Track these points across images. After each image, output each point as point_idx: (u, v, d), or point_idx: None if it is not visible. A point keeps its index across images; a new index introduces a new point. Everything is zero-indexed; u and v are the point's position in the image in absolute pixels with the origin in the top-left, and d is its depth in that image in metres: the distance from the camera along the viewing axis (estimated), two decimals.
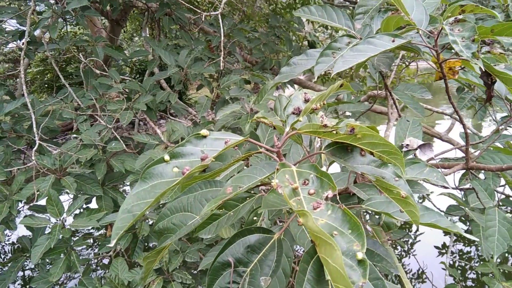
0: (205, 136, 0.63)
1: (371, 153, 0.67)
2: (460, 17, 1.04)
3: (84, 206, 3.18)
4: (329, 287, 0.57)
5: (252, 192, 1.09)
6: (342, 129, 0.64)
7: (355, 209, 0.93)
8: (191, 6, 3.35)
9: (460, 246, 5.00)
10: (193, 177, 0.94)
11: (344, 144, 0.69)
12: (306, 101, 0.74)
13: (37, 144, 2.57)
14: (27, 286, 4.24)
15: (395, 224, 0.93)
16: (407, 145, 1.06)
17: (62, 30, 3.28)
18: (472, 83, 1.47)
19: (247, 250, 0.74)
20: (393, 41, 1.04)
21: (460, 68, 1.32)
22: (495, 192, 1.45)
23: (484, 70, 0.91)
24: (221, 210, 1.09)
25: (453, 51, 1.21)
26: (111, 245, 0.52)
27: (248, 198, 1.09)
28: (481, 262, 2.56)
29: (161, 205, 3.13)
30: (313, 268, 0.58)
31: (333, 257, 0.45)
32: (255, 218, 1.34)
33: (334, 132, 0.65)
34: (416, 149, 1.04)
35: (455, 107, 1.20)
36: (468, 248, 4.89)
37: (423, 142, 1.05)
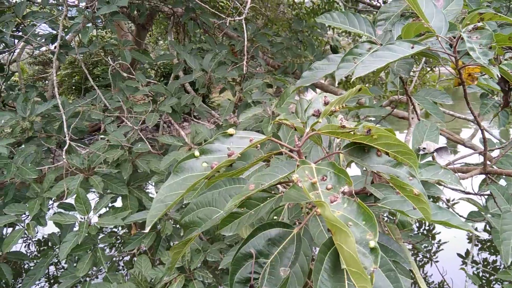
0: (231, 135, 0.68)
1: (387, 154, 0.71)
2: (479, 24, 1.06)
3: (110, 205, 3.29)
4: (345, 276, 0.61)
5: (272, 192, 1.14)
6: (359, 130, 0.69)
7: (373, 208, 0.97)
8: (216, 12, 3.43)
9: (485, 255, 4.91)
10: (218, 175, 1.00)
11: (361, 144, 0.73)
12: (326, 104, 0.79)
13: (67, 144, 2.68)
14: (55, 281, 4.39)
15: (409, 223, 0.96)
16: (424, 148, 1.09)
17: (94, 35, 3.40)
18: (493, 89, 1.49)
19: (268, 243, 0.79)
20: (412, 47, 1.07)
21: (480, 74, 1.34)
22: None
23: (500, 76, 0.94)
24: (242, 209, 1.14)
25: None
26: (146, 230, 0.58)
27: (268, 198, 1.14)
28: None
29: (183, 205, 3.21)
30: (330, 258, 0.63)
31: (347, 243, 0.49)
32: (275, 217, 1.39)
33: (352, 133, 0.69)
34: (433, 152, 1.07)
35: (473, 111, 1.22)
36: (493, 257, 4.80)
37: (440, 146, 1.08)
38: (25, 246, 5.59)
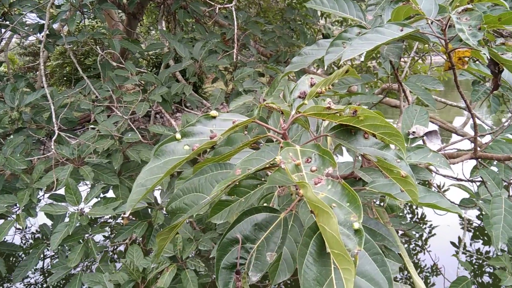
0: (214, 117, 0.67)
1: (374, 136, 0.70)
2: (469, 6, 1.05)
3: (102, 195, 3.27)
4: (331, 260, 0.60)
5: (262, 179, 1.12)
6: (345, 112, 0.67)
7: (361, 193, 0.96)
8: (206, 0, 3.38)
9: (478, 245, 4.96)
10: (205, 160, 0.98)
11: (348, 126, 0.72)
12: (312, 85, 0.77)
13: (56, 134, 2.65)
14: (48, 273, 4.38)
15: (398, 207, 0.95)
16: (414, 132, 1.07)
17: (81, 23, 3.34)
18: (483, 74, 1.48)
19: (255, 228, 0.78)
20: (401, 30, 1.06)
21: (469, 58, 1.33)
22: (504, 182, 1.46)
23: (490, 58, 0.92)
24: (232, 197, 1.13)
25: (461, 42, 1.21)
26: (126, 215, 0.56)
27: (258, 185, 1.13)
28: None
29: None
30: (316, 242, 0.61)
31: (329, 224, 0.48)
32: (265, 204, 1.38)
33: (338, 114, 0.68)
34: (423, 136, 1.06)
35: (463, 95, 1.21)
36: (487, 248, 4.85)
37: (429, 130, 1.07)
38: (22, 237, 5.57)
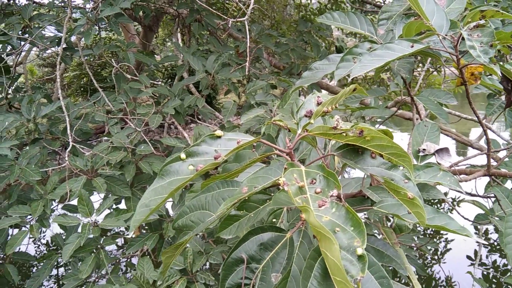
0: (219, 137, 0.66)
1: (381, 155, 0.69)
2: (481, 22, 1.04)
3: (114, 207, 3.29)
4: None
5: (272, 194, 1.11)
6: (352, 132, 0.66)
7: (369, 212, 0.95)
8: (219, 13, 3.42)
9: (495, 257, 4.84)
10: (212, 177, 0.98)
11: (355, 146, 0.71)
12: (319, 104, 0.77)
13: (70, 145, 2.68)
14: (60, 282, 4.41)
15: (407, 227, 0.93)
16: (424, 149, 1.06)
17: (97, 36, 3.40)
18: (498, 88, 1.45)
19: (260, 248, 0.77)
20: (412, 46, 1.05)
21: (483, 73, 1.31)
22: None
23: (503, 74, 0.91)
24: (241, 212, 1.12)
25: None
26: (130, 235, 0.56)
27: (268, 200, 1.12)
28: None
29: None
30: (320, 265, 0.60)
31: (331, 251, 0.47)
32: (274, 220, 1.37)
33: (344, 134, 0.67)
34: (433, 153, 1.04)
35: (475, 110, 1.19)
36: (504, 260, 4.73)
37: (440, 147, 1.05)
38: (36, 247, 5.63)
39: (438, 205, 5.75)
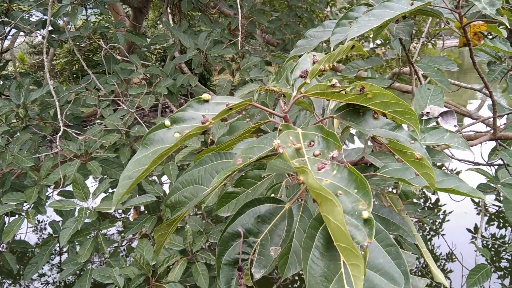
0: (207, 101, 0.61)
1: (384, 115, 0.63)
2: None
3: (110, 190, 3.24)
4: (340, 254, 0.54)
5: None
6: (352, 89, 0.61)
7: (372, 179, 0.90)
8: None
9: (494, 228, 4.86)
10: (205, 150, 0.93)
11: (355, 106, 0.65)
12: (315, 63, 0.71)
13: (61, 130, 2.62)
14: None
15: (413, 193, 0.88)
16: (428, 113, 1.00)
17: (87, 19, 3.29)
18: (500, 51, 1.39)
19: (257, 220, 0.72)
20: (412, 4, 0.98)
21: (486, 34, 1.25)
22: None
23: (510, 29, 0.85)
24: (239, 188, 1.07)
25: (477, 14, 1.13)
26: (111, 210, 0.51)
27: (265, 176, 1.07)
28: None
29: None
30: (322, 234, 0.55)
31: (334, 214, 0.42)
32: (272, 195, 1.32)
33: (343, 93, 0.61)
34: (438, 117, 0.99)
35: (480, 73, 1.13)
36: (503, 231, 4.74)
37: (444, 110, 0.99)
38: (36, 234, 5.62)
39: None
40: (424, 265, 3.83)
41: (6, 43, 3.91)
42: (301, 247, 0.95)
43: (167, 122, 0.58)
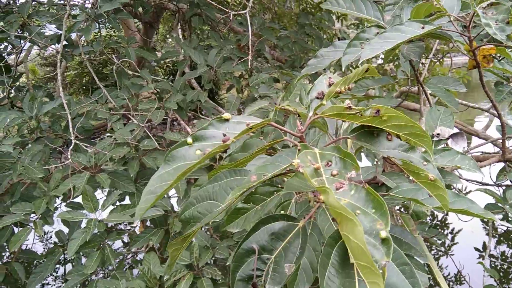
0: (227, 120, 0.63)
1: (398, 137, 0.65)
2: (494, 0, 1.00)
3: (118, 203, 3.26)
4: (354, 271, 0.56)
5: (279, 186, 1.08)
6: (367, 111, 0.63)
7: (384, 199, 0.91)
8: (220, 6, 3.38)
9: (502, 247, 4.80)
10: (219, 166, 0.95)
11: (370, 128, 0.67)
12: (331, 85, 0.73)
13: (73, 143, 2.66)
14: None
15: (424, 213, 0.90)
16: (438, 134, 1.02)
17: (98, 33, 3.36)
18: (508, 72, 1.41)
19: (272, 237, 0.74)
20: (423, 27, 1.01)
21: (494, 56, 1.27)
22: None
23: None
24: (248, 204, 1.09)
25: (486, 40, 1.16)
26: (134, 224, 0.53)
27: (275, 192, 1.09)
28: None
29: None
30: (338, 252, 0.57)
31: (354, 233, 0.44)
32: (282, 212, 1.34)
33: (359, 114, 0.63)
34: (448, 138, 1.00)
35: (489, 95, 1.15)
36: None
37: (455, 131, 1.01)
38: (43, 245, 5.63)
39: None
40: (433, 284, 3.79)
41: (21, 55, 3.98)
42: (309, 264, 0.97)
43: (189, 140, 0.60)
